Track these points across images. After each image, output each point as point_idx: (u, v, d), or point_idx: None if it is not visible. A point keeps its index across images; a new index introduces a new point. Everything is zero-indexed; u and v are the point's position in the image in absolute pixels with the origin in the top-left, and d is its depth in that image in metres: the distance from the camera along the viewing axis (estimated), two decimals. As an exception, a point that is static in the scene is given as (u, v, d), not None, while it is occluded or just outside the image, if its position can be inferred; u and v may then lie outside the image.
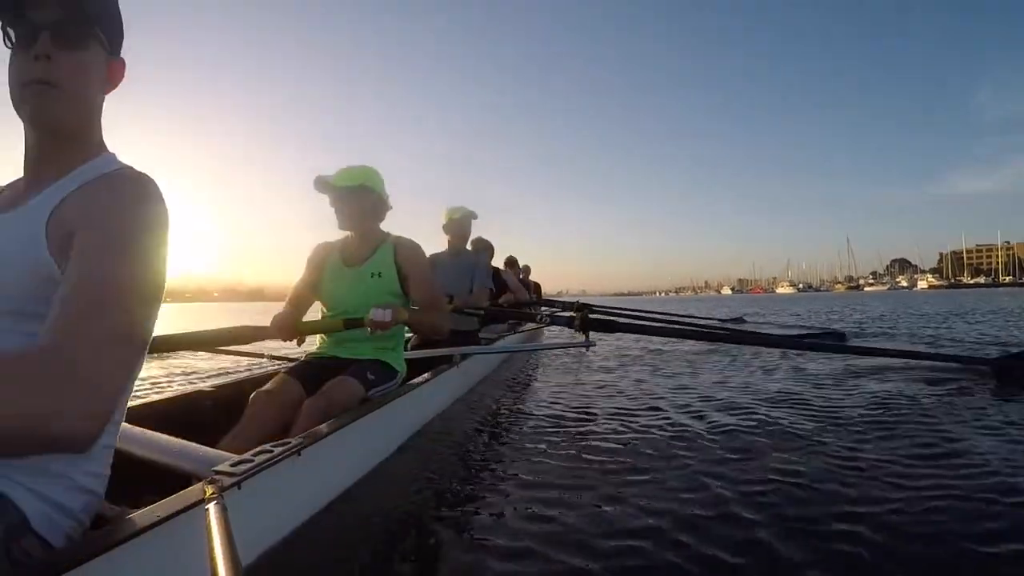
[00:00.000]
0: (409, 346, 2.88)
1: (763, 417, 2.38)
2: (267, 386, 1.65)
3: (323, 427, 1.38)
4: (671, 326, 4.43)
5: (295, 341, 1.89)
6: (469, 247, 4.68)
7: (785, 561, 1.16)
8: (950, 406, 2.48)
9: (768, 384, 3.26)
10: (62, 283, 0.66)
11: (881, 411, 2.41)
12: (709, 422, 2.34)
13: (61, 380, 0.58)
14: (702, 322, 5.65)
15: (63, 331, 0.61)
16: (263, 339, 1.89)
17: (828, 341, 5.03)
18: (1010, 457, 1.74)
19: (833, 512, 1.38)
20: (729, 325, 7.61)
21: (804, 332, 6.08)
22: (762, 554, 1.19)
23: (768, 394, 2.90)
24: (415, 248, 2.03)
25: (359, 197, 1.90)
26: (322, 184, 1.91)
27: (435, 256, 3.43)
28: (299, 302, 1.99)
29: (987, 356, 3.12)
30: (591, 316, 2.88)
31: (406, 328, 2.04)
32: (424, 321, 1.92)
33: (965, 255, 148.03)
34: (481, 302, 3.26)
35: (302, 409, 1.55)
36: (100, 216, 0.71)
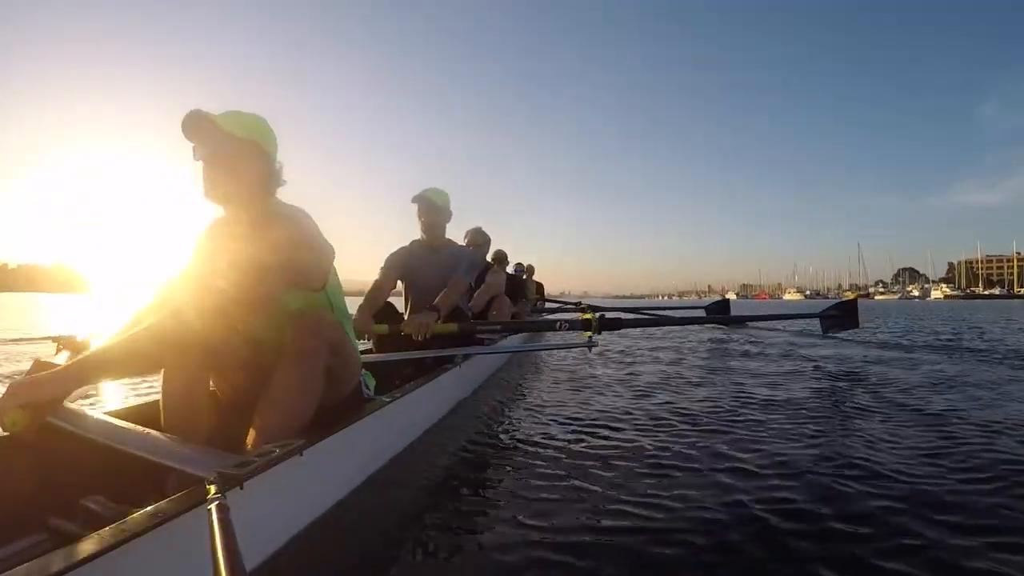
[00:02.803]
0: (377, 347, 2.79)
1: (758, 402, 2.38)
2: None
3: (325, 428, 1.38)
4: (667, 315, 5.01)
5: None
6: (464, 241, 4.18)
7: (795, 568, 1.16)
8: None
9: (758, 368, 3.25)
10: None
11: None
12: (717, 423, 2.33)
13: None
14: (691, 313, 7.01)
15: None
16: None
17: (725, 316, 8.17)
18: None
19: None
20: (710, 313, 9.38)
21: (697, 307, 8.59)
22: (762, 558, 1.19)
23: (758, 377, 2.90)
24: (287, 216, 1.40)
25: (245, 157, 1.34)
26: (197, 123, 1.29)
27: (407, 250, 2.91)
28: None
29: (814, 311, 4.96)
30: (604, 317, 2.90)
31: (352, 334, 1.57)
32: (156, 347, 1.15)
33: (979, 265, 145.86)
34: (454, 295, 2.76)
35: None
36: None
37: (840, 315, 4.71)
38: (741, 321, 5.82)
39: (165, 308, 1.22)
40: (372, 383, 1.73)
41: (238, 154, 1.33)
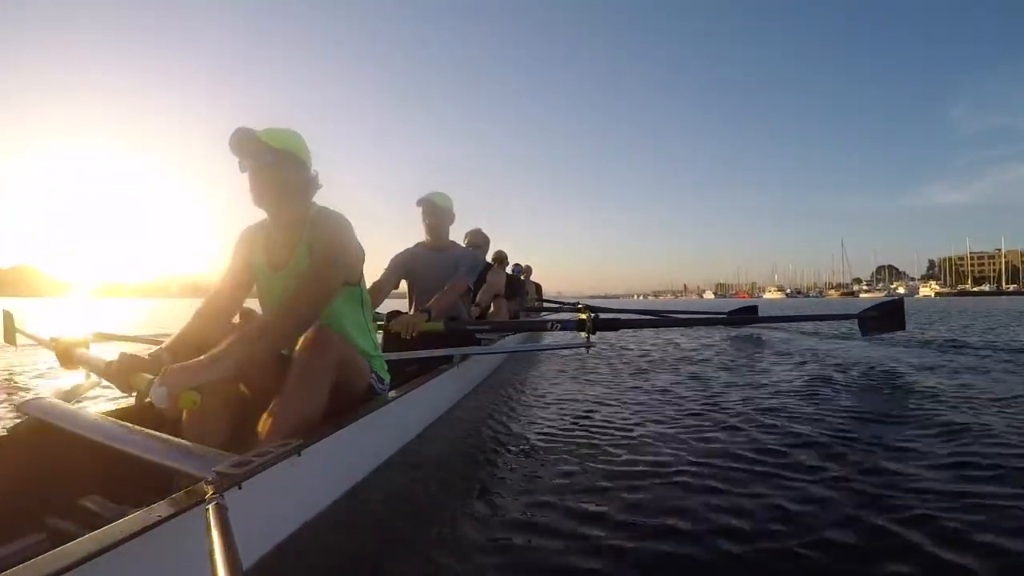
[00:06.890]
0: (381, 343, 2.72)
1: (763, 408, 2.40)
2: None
3: (324, 428, 1.37)
4: (664, 317, 5.23)
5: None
6: (464, 242, 4.23)
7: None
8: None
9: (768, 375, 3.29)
10: None
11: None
12: (717, 426, 2.33)
13: None
14: (687, 315, 6.44)
15: None
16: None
17: (749, 316, 7.05)
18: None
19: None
20: (706, 313, 8.59)
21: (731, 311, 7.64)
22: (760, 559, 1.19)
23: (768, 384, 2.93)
24: (326, 222, 1.53)
25: (286, 167, 1.48)
26: (243, 139, 1.42)
27: (411, 251, 2.95)
28: (218, 305, 1.53)
29: (850, 313, 4.91)
30: (599, 318, 2.90)
31: (378, 330, 1.81)
32: (258, 347, 1.29)
33: (967, 261, 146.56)
34: (453, 295, 2.77)
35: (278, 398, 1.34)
36: None
37: (880, 316, 4.66)
38: (766, 322, 5.68)
39: (247, 320, 1.53)
40: (387, 378, 1.78)
41: (278, 164, 1.47)
